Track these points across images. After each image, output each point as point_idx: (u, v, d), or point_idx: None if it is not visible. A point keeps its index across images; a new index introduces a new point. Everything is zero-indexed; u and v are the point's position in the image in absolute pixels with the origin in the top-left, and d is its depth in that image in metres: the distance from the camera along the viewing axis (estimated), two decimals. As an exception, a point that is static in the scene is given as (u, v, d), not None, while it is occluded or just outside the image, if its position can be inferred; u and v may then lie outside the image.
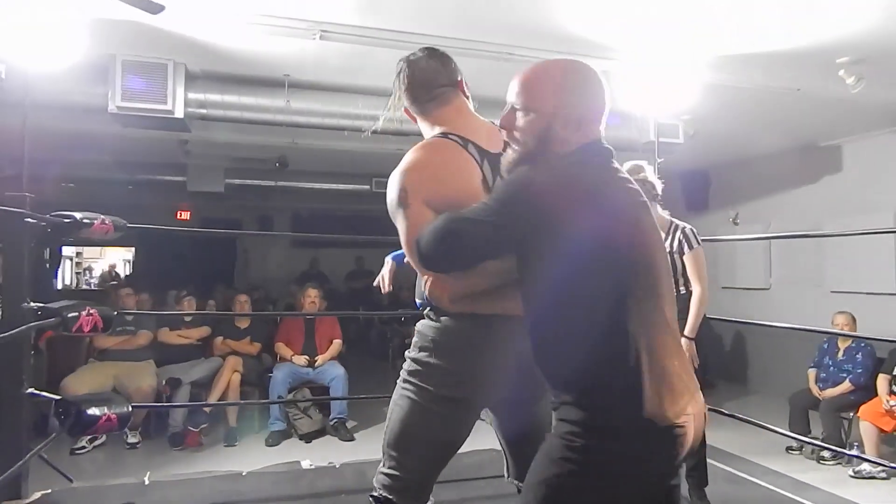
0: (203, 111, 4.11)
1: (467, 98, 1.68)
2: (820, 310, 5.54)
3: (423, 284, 1.52)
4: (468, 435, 1.59)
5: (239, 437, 4.75)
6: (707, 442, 2.84)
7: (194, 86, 4.03)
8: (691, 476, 2.75)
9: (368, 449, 4.34)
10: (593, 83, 1.31)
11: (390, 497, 1.56)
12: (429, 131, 1.65)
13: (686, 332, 2.79)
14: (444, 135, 1.56)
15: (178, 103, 3.90)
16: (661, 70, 3.81)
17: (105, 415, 2.49)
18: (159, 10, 2.28)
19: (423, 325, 1.59)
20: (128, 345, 4.76)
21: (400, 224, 1.51)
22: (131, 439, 4.56)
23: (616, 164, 1.33)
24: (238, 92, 4.15)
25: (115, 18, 3.29)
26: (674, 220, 2.93)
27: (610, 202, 1.24)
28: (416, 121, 1.69)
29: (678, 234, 2.87)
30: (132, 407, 2.60)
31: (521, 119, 1.30)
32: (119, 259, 14.09)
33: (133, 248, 12.10)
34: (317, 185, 7.59)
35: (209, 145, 6.06)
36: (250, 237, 12.06)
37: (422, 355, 1.56)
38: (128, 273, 12.68)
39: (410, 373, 1.58)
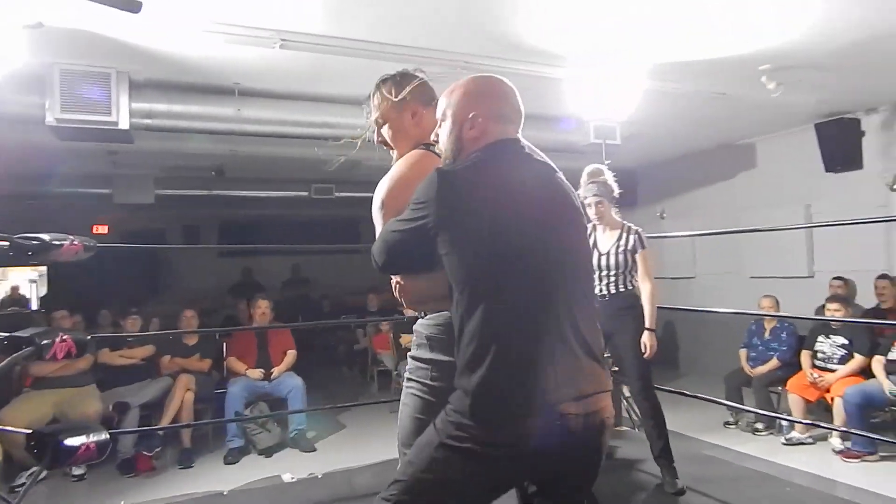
0: (148, 121, 3.95)
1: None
2: (741, 294, 6.03)
3: (395, 291, 1.64)
4: None
5: (194, 457, 4.59)
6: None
7: (139, 95, 3.87)
8: (661, 457, 2.96)
9: (333, 459, 4.31)
10: (497, 92, 1.47)
11: None
12: (407, 144, 1.74)
13: (647, 325, 3.04)
14: (427, 147, 1.67)
15: (122, 114, 3.73)
16: (605, 77, 4.03)
17: (84, 444, 2.37)
18: (139, 8, 2.21)
19: (418, 324, 1.68)
20: (67, 370, 4.45)
21: (376, 230, 1.62)
22: (77, 470, 4.28)
23: (532, 160, 1.44)
24: (185, 101, 4.02)
25: (54, 25, 3.12)
26: (625, 221, 3.19)
27: (512, 190, 1.35)
28: (388, 137, 1.77)
29: (632, 235, 3.13)
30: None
31: (442, 129, 1.48)
32: (23, 280, 13.02)
33: (43, 268, 11.25)
34: (254, 193, 7.41)
35: (140, 155, 5.79)
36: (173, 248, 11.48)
37: (419, 353, 1.65)
38: (41, 294, 11.75)
39: (412, 371, 1.67)
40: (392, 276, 1.61)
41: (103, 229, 9.11)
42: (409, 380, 1.67)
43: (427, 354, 1.63)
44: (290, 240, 8.92)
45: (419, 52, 3.63)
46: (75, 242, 2.43)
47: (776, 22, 3.41)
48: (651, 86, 4.29)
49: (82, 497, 3.99)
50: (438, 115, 1.50)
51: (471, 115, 1.40)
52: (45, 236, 2.35)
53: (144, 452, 4.36)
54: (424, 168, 1.58)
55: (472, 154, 1.41)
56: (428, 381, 1.61)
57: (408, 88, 1.73)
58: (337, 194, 7.61)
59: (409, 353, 1.70)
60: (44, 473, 4.22)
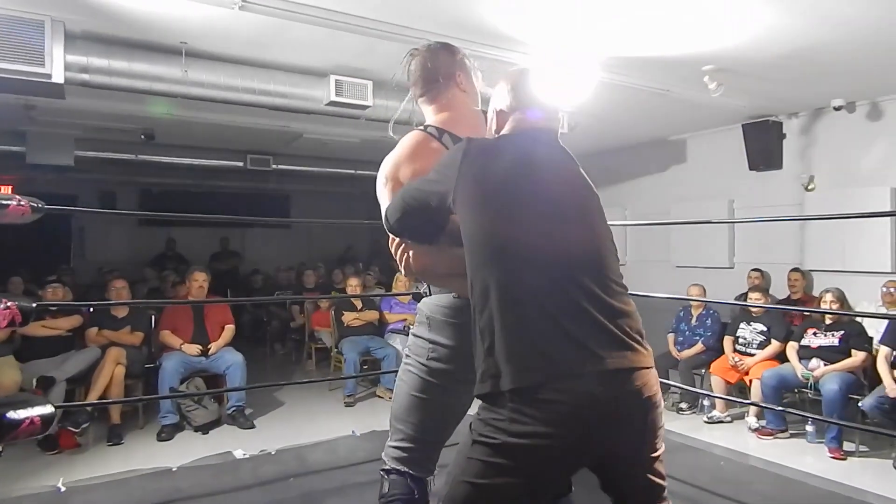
0: (85, 77, 3.67)
1: (462, 90, 1.81)
2: (667, 282, 6.38)
3: (399, 259, 1.62)
4: (469, 405, 1.72)
5: (124, 434, 4.38)
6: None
7: (74, 47, 3.58)
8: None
9: (273, 436, 4.23)
10: (520, 87, 1.54)
11: (399, 468, 1.67)
12: (432, 117, 1.79)
13: None
14: (425, 128, 1.72)
15: (56, 66, 3.44)
16: (561, 65, 4.12)
17: (28, 418, 2.23)
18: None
19: (422, 302, 1.72)
20: (-21, 340, 4.13)
21: (381, 204, 1.66)
22: (-8, 447, 3.99)
23: (547, 144, 1.50)
24: (127, 57, 3.75)
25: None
26: None
27: (528, 164, 1.41)
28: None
29: None
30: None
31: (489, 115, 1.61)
32: None
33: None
34: (184, 160, 7.05)
35: (63, 112, 5.38)
36: (86, 214, 10.70)
37: (419, 330, 1.69)
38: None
39: (410, 348, 1.72)
40: (396, 242, 1.61)
41: (6, 190, 8.41)
42: (408, 356, 1.71)
43: (427, 334, 1.66)
44: (219, 212, 8.56)
45: (381, 27, 3.57)
46: (21, 203, 2.25)
47: (725, 26, 3.60)
48: (604, 78, 4.42)
49: (1, 475, 3.71)
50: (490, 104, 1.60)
51: (497, 107, 1.53)
52: (-11, 195, 2.17)
53: (70, 428, 4.11)
54: (415, 145, 1.67)
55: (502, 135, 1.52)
56: (425, 361, 1.65)
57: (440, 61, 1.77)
58: (274, 166, 7.37)
59: (410, 330, 1.74)
60: (-47, 450, 3.97)
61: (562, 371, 1.20)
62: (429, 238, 1.56)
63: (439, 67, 1.76)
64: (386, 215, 1.57)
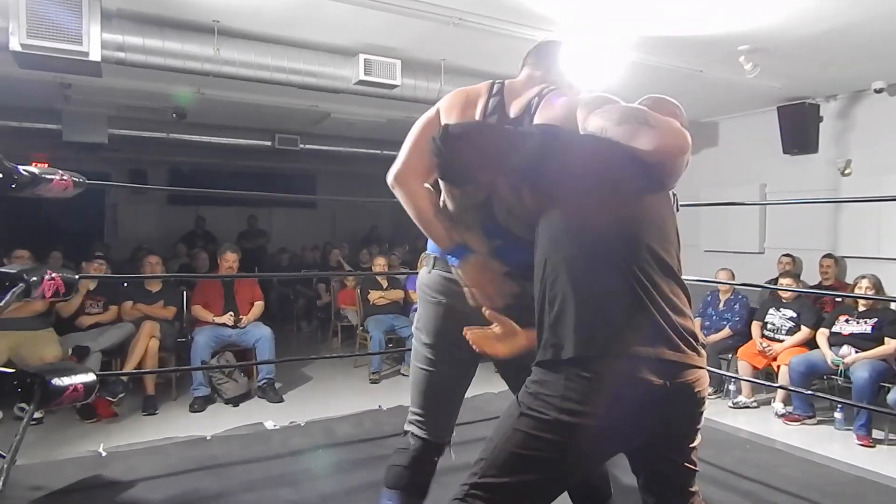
0: (121, 55, 3.73)
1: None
2: (696, 267, 6.27)
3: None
4: (471, 377, 1.79)
5: (158, 405, 4.52)
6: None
7: (110, 26, 3.65)
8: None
9: (301, 410, 4.33)
10: None
11: (416, 431, 1.77)
12: None
13: None
14: (494, 83, 1.72)
15: (93, 44, 3.51)
16: (592, 45, 4.07)
17: (71, 385, 2.32)
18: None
19: (419, 277, 1.78)
20: (21, 311, 4.24)
21: (412, 131, 1.71)
22: (36, 414, 4.15)
23: None
24: (161, 36, 3.81)
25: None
26: None
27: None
28: None
29: None
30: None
31: None
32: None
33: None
34: (214, 139, 7.14)
35: (97, 91, 5.48)
36: (119, 192, 10.91)
37: (423, 273, 1.76)
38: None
39: (415, 322, 1.80)
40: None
41: (44, 166, 8.62)
42: (414, 327, 1.80)
43: (425, 274, 1.72)
44: (248, 189, 8.71)
45: (412, 5, 3.56)
46: (64, 178, 2.32)
47: (763, 3, 3.51)
48: (636, 58, 4.36)
49: (43, 441, 3.86)
50: None
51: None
52: (34, 169, 2.24)
53: (108, 398, 4.25)
54: (467, 94, 1.70)
55: None
56: (419, 333, 1.73)
57: None
58: (302, 146, 7.43)
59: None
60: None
61: (622, 350, 1.22)
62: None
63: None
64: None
